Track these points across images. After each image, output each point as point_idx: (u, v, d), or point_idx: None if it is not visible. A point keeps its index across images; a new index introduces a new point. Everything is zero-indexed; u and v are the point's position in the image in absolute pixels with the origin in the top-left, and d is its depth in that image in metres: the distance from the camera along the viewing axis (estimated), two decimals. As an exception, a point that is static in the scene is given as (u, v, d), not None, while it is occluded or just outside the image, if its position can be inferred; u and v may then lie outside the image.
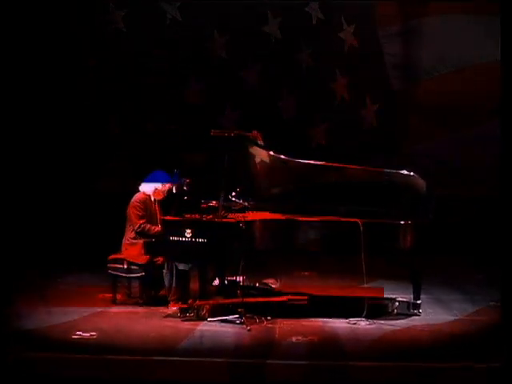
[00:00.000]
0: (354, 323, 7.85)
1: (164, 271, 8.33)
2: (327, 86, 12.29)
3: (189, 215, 8.19)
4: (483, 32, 12.00)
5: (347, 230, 8.03)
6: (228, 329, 7.66)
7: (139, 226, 8.36)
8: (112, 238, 8.69)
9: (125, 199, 8.57)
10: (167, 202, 8.60)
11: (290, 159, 8.31)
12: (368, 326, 7.79)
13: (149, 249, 8.25)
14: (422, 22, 12.41)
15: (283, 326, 7.74)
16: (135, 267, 8.44)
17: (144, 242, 8.29)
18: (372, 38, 12.39)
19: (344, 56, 12.38)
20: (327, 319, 7.96)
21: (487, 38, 11.87)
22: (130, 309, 8.39)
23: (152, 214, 8.54)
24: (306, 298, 8.52)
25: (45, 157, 11.55)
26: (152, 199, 8.59)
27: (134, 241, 8.42)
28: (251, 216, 8.22)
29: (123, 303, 8.58)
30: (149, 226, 8.39)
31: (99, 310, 8.32)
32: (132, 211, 8.42)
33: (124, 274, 8.53)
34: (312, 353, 7.02)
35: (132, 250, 8.43)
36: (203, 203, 8.49)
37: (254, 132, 8.32)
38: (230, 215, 8.23)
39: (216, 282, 8.49)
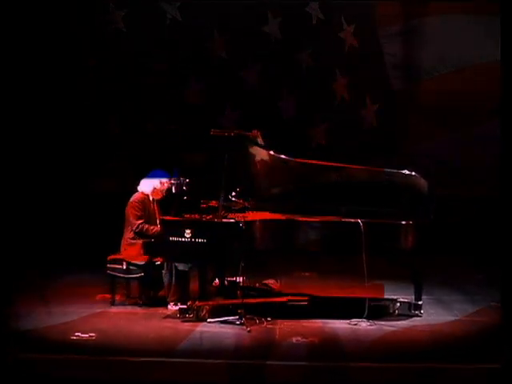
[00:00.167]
0: (355, 324, 7.83)
1: (163, 271, 8.32)
2: (327, 86, 12.28)
3: (188, 215, 8.18)
4: (483, 32, 11.99)
5: (348, 230, 8.01)
6: (228, 330, 7.65)
7: (138, 226, 8.35)
8: (111, 238, 8.68)
9: (125, 199, 8.56)
10: (167, 202, 8.58)
11: (290, 159, 8.30)
12: (369, 327, 7.77)
13: (148, 249, 8.24)
14: (422, 22, 12.40)
15: (283, 327, 7.72)
16: (134, 268, 8.43)
17: (143, 242, 8.28)
18: (372, 38, 12.39)
19: (344, 56, 12.37)
20: (328, 320, 7.95)
21: (487, 38, 11.86)
22: (129, 309, 8.38)
23: (151, 213, 8.53)
24: (306, 298, 8.51)
25: (45, 157, 11.54)
26: (151, 199, 8.57)
27: (132, 241, 8.41)
28: (251, 216, 8.21)
29: (122, 304, 8.57)
30: (147, 226, 8.37)
31: (98, 310, 8.31)
32: (130, 211, 8.41)
33: (123, 275, 8.51)
34: (312, 354, 7.01)
35: (131, 250, 8.41)
36: (203, 203, 8.48)
37: (254, 131, 8.31)
38: (230, 215, 8.21)
39: (216, 282, 8.48)
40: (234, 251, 7.94)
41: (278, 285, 9.28)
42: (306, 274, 10.14)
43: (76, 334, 7.40)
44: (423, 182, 8.20)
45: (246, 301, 7.88)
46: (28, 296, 8.72)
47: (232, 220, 8.05)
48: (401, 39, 12.44)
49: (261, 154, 8.38)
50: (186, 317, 7.93)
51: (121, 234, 8.53)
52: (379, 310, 8.27)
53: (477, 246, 10.87)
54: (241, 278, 8.02)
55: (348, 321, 7.88)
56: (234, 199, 8.39)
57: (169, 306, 8.29)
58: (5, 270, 9.14)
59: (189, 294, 8.26)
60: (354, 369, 6.67)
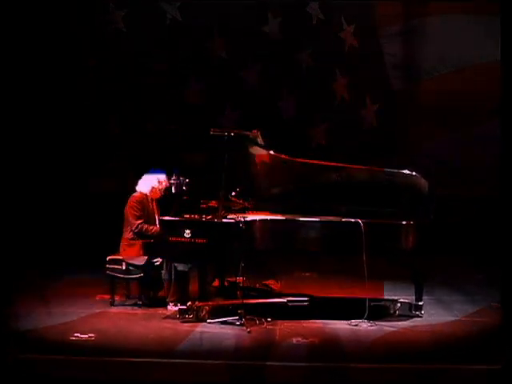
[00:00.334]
0: (355, 325, 7.81)
1: (163, 272, 8.30)
2: (327, 86, 12.27)
3: (188, 215, 8.17)
4: (483, 32, 11.99)
5: (348, 230, 8.00)
6: (228, 330, 7.64)
7: (137, 227, 8.34)
8: (111, 239, 8.66)
9: (124, 199, 8.55)
10: (167, 202, 8.57)
11: (290, 159, 8.29)
12: (369, 328, 7.76)
13: (148, 249, 8.23)
14: (422, 21, 12.39)
15: (283, 328, 7.71)
16: (134, 268, 8.41)
17: (143, 242, 8.27)
18: (372, 38, 12.37)
19: (344, 56, 12.37)
20: (328, 321, 7.94)
21: (487, 38, 11.86)
22: (128, 310, 8.37)
23: (150, 213, 8.52)
24: (306, 299, 8.50)
25: (45, 157, 11.53)
26: (149, 199, 8.55)
27: (132, 242, 8.40)
28: (251, 216, 8.20)
29: (122, 304, 8.56)
30: (147, 226, 8.36)
31: (98, 311, 8.30)
32: (129, 211, 8.39)
33: (122, 275, 8.50)
34: (312, 354, 7.00)
35: (130, 250, 8.40)
36: (203, 203, 8.47)
37: (254, 131, 8.30)
38: (230, 215, 8.21)
39: (216, 283, 8.48)
40: (234, 251, 7.93)
41: (278, 285, 9.27)
42: (306, 274, 10.13)
43: (75, 334, 7.39)
44: (423, 182, 8.19)
45: (245, 301, 7.87)
46: (28, 296, 8.72)
47: (232, 220, 8.05)
48: (401, 39, 12.43)
49: (261, 153, 8.37)
50: (185, 317, 7.91)
51: (120, 234, 8.52)
52: (380, 311, 8.27)
53: (477, 246, 10.86)
54: (241, 279, 8.00)
55: (348, 321, 7.87)
56: (233, 199, 8.38)
57: (168, 307, 8.28)
58: (5, 269, 9.14)
59: (188, 294, 8.25)
60: (354, 369, 6.66)
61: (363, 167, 8.39)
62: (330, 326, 7.82)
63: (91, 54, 11.77)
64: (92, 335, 7.38)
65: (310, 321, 7.95)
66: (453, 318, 8.17)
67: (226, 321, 7.81)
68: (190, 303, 7.97)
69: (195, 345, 7.21)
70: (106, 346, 7.08)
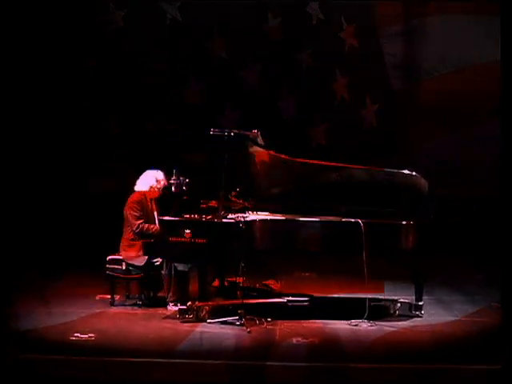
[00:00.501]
0: (355, 325, 7.81)
1: (163, 272, 8.30)
2: (327, 86, 12.27)
3: (188, 215, 8.17)
4: (483, 32, 11.98)
5: (348, 230, 8.00)
6: (228, 330, 7.64)
7: (137, 227, 8.33)
8: (111, 238, 8.66)
9: (124, 199, 8.54)
10: (166, 202, 8.56)
11: (290, 159, 8.29)
12: (369, 328, 7.76)
13: (148, 249, 8.22)
14: (422, 21, 12.39)
15: (283, 328, 7.71)
16: (134, 268, 8.41)
17: (143, 242, 8.26)
18: (372, 38, 12.37)
19: (344, 56, 12.36)
20: (328, 321, 7.94)
21: (487, 38, 11.85)
22: (128, 310, 8.37)
23: (149, 213, 8.51)
24: (306, 299, 8.50)
25: (45, 157, 11.53)
26: (148, 198, 8.54)
27: (132, 242, 8.39)
28: (251, 216, 8.20)
29: (122, 304, 8.56)
30: (147, 225, 8.36)
31: (98, 311, 8.30)
32: (129, 212, 8.39)
33: (122, 275, 8.50)
34: (312, 354, 7.00)
35: (130, 251, 8.40)
36: (203, 203, 8.47)
37: (254, 131, 8.30)
38: (230, 215, 8.21)
39: (216, 283, 8.47)
40: (234, 251, 7.92)
41: (278, 285, 9.27)
42: (306, 274, 10.13)
43: (75, 334, 7.39)
44: (424, 182, 8.19)
45: (245, 301, 7.87)
46: (28, 296, 8.71)
47: (232, 220, 8.05)
48: (401, 39, 12.43)
49: (261, 153, 8.37)
50: (185, 317, 7.91)
51: (120, 234, 8.51)
52: (380, 311, 8.26)
53: (477, 246, 10.85)
54: (241, 279, 8.00)
55: (348, 321, 7.87)
56: (233, 199, 8.38)
57: (168, 307, 8.28)
58: (5, 270, 9.14)
59: (188, 294, 8.24)
60: (354, 369, 6.66)
61: (363, 167, 8.39)
62: (329, 326, 7.82)
63: (91, 54, 11.76)
64: (92, 335, 7.38)
65: (310, 321, 7.95)
66: (453, 318, 8.17)
67: (226, 321, 7.81)
68: (189, 303, 7.97)
69: (195, 345, 7.21)
70: (106, 346, 7.08)
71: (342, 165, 8.32)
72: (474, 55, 12.28)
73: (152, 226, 8.36)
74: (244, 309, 7.76)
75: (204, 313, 7.95)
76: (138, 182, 8.56)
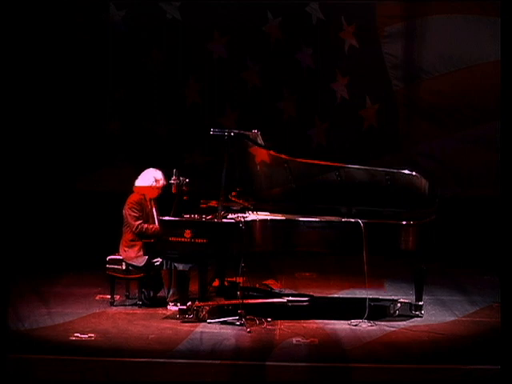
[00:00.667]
0: (355, 325, 7.81)
1: (163, 272, 8.30)
2: (327, 86, 12.26)
3: (188, 215, 8.17)
4: (483, 32, 11.96)
5: (348, 231, 8.00)
6: (228, 330, 7.64)
7: (137, 228, 8.32)
8: (111, 239, 8.66)
9: (124, 199, 8.54)
10: (166, 202, 8.55)
11: (291, 159, 8.29)
12: (369, 328, 7.76)
13: (148, 249, 8.22)
14: (422, 21, 12.36)
15: (283, 328, 7.71)
16: (134, 268, 8.40)
17: (143, 242, 8.26)
18: (372, 38, 12.35)
19: (344, 56, 12.35)
20: (328, 321, 7.94)
21: (487, 38, 11.84)
22: (128, 310, 8.37)
23: (148, 213, 8.50)
24: (306, 299, 8.50)
25: (45, 157, 11.53)
26: (147, 198, 8.53)
27: (131, 243, 8.39)
28: (251, 216, 8.20)
29: (122, 304, 8.56)
30: (146, 225, 8.35)
31: (98, 311, 8.30)
32: (128, 213, 8.38)
33: (122, 275, 8.50)
34: (312, 354, 7.00)
35: (130, 251, 8.39)
36: (203, 203, 8.47)
37: (254, 131, 8.30)
38: (230, 215, 8.20)
39: (216, 283, 8.47)
40: (234, 251, 7.92)
41: (278, 285, 9.27)
42: (307, 274, 10.12)
43: (75, 334, 7.40)
44: (424, 182, 8.19)
45: (246, 301, 7.88)
46: (28, 297, 8.71)
47: (232, 220, 8.04)
48: (401, 39, 12.41)
49: (261, 153, 8.37)
50: (185, 317, 7.91)
51: (120, 234, 8.51)
52: (380, 311, 8.26)
53: (477, 246, 10.85)
54: (241, 279, 8.00)
55: (348, 321, 7.87)
56: (233, 199, 8.38)
57: (168, 307, 8.28)
58: (5, 270, 9.13)
59: (188, 294, 8.24)
60: (354, 369, 6.66)
61: (363, 167, 8.38)
62: (329, 326, 7.82)
63: (91, 54, 11.75)
64: (92, 335, 7.39)
65: (310, 321, 7.95)
66: (453, 318, 8.18)
67: (225, 321, 7.81)
68: (189, 303, 7.97)
69: (195, 345, 7.21)
70: (106, 346, 7.08)
71: (342, 165, 8.32)
72: (474, 55, 12.26)
73: (151, 227, 8.36)
74: (244, 309, 7.76)
75: (204, 313, 7.95)
76: (137, 182, 8.54)
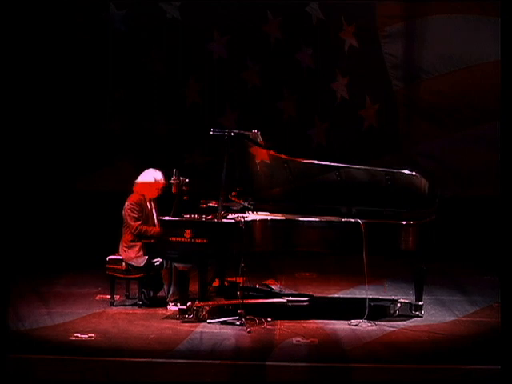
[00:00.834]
0: (355, 325, 7.81)
1: (163, 272, 8.30)
2: (327, 86, 12.26)
3: (188, 215, 8.17)
4: (483, 32, 11.96)
5: (348, 231, 8.00)
6: (228, 330, 7.64)
7: (136, 229, 8.32)
8: (111, 239, 8.66)
9: (124, 199, 8.54)
10: (166, 202, 8.55)
11: (291, 159, 8.29)
12: (369, 328, 7.76)
13: (148, 250, 8.22)
14: (422, 21, 12.36)
15: (283, 328, 7.71)
16: (134, 268, 8.40)
17: (143, 242, 8.25)
18: (372, 38, 12.35)
19: (344, 56, 12.35)
20: (328, 321, 7.94)
21: (487, 38, 11.84)
22: (128, 310, 8.37)
23: (148, 214, 8.50)
24: (306, 299, 8.50)
25: (45, 157, 11.53)
26: (147, 199, 8.53)
27: (131, 243, 8.39)
28: (251, 216, 8.20)
29: (122, 304, 8.56)
30: (146, 227, 8.35)
31: (98, 311, 8.30)
32: (127, 213, 8.37)
33: (122, 276, 8.50)
34: (312, 354, 7.00)
35: (130, 252, 8.39)
36: (203, 203, 8.46)
37: (254, 131, 8.30)
38: (230, 215, 8.20)
39: (216, 282, 8.47)
40: (234, 251, 7.92)
41: (278, 285, 9.27)
42: (306, 274, 10.12)
43: (75, 334, 7.40)
44: (424, 182, 8.19)
45: (246, 301, 7.87)
46: (28, 297, 8.71)
47: (232, 220, 8.04)
48: (401, 39, 12.41)
49: (261, 153, 8.37)
50: (185, 317, 7.92)
51: (120, 234, 8.51)
52: (380, 311, 8.26)
53: (477, 247, 10.85)
54: (241, 279, 8.00)
55: (348, 321, 7.87)
56: (233, 199, 8.38)
57: (168, 307, 8.28)
58: (5, 270, 9.13)
59: (188, 294, 8.24)
60: (354, 369, 6.66)
61: (363, 167, 8.38)
62: (329, 326, 7.82)
63: (91, 54, 11.75)
64: (92, 335, 7.39)
65: (310, 321, 7.95)
66: (453, 318, 8.18)
67: (225, 321, 7.81)
68: (189, 303, 7.97)
69: (195, 345, 7.21)
70: (106, 346, 7.08)
71: (341, 165, 8.32)
72: (474, 55, 12.26)
73: (151, 229, 8.35)
74: (244, 309, 7.76)
75: (204, 313, 7.95)
76: (137, 182, 8.52)
